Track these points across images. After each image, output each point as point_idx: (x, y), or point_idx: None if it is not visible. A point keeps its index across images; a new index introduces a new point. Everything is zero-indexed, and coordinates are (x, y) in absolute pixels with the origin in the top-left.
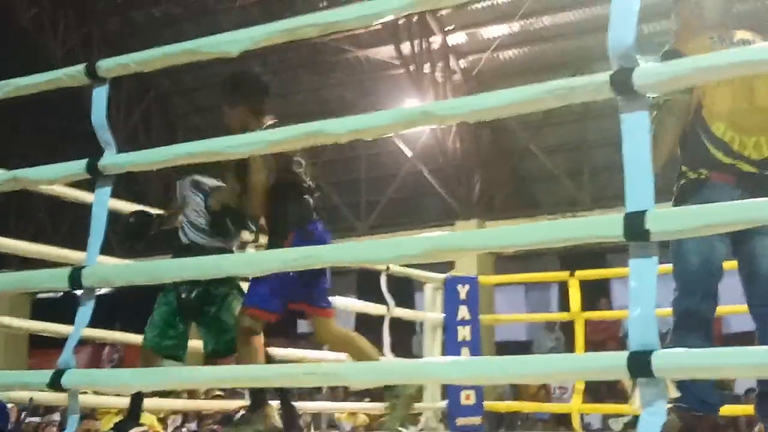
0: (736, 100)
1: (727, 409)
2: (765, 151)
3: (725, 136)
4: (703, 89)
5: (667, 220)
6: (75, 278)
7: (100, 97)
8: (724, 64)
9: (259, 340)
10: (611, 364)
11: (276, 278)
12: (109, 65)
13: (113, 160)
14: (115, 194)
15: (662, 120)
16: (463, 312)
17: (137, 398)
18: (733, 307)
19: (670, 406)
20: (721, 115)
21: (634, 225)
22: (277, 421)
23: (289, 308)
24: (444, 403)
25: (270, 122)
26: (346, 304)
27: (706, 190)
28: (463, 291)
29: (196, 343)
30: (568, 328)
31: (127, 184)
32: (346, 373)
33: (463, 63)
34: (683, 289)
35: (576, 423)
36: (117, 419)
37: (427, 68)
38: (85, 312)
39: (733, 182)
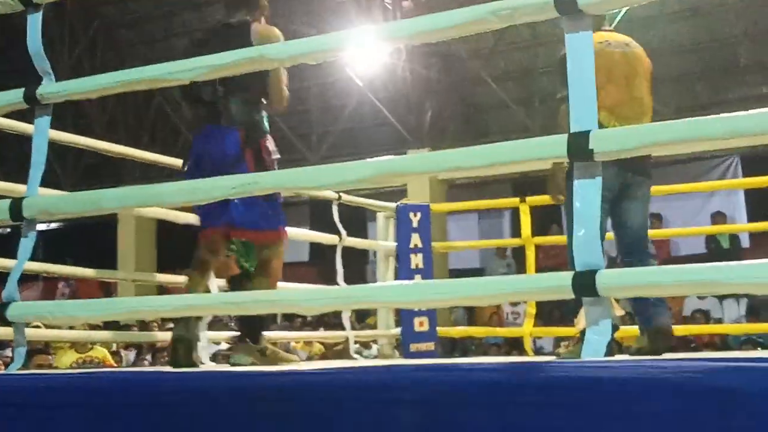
0: (619, 93)
1: (675, 330)
2: None
3: (609, 124)
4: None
5: (611, 139)
6: (15, 209)
7: (35, 23)
8: None
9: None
10: (557, 284)
11: None
12: None
13: (52, 88)
14: (61, 128)
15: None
16: (416, 240)
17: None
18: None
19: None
20: (606, 106)
21: (579, 145)
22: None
23: None
24: (398, 330)
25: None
26: (299, 233)
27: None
28: (415, 219)
29: None
30: (520, 255)
31: (73, 118)
32: (298, 300)
33: None
34: None
35: (528, 346)
36: (71, 353)
37: None
38: (27, 244)
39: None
